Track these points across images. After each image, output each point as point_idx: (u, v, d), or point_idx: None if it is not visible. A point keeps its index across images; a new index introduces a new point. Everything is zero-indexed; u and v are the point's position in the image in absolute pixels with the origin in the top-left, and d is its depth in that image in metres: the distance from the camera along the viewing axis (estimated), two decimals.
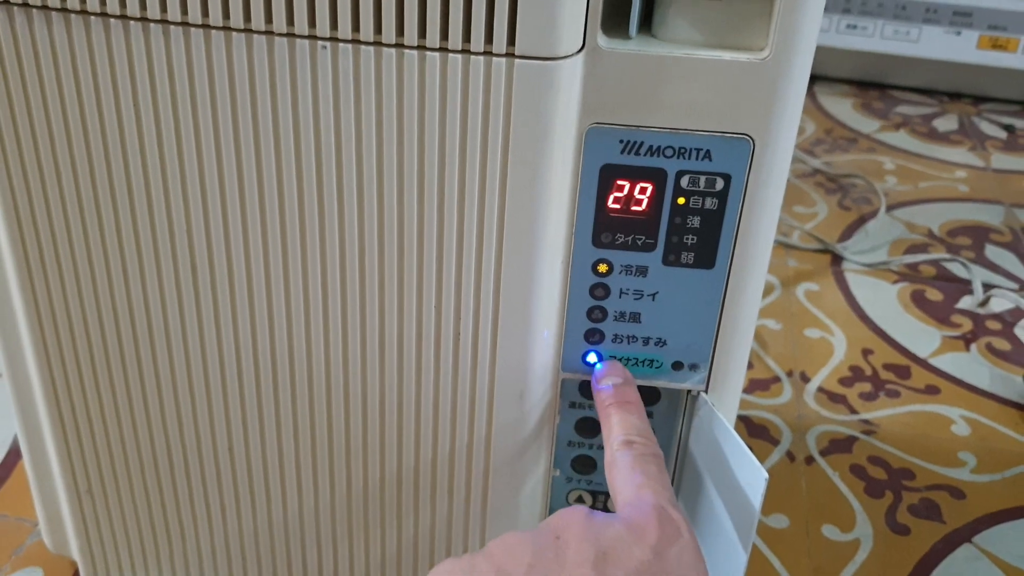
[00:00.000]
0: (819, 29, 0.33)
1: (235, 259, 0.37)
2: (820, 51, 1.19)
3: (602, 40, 0.33)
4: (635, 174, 0.35)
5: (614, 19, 0.33)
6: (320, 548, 0.44)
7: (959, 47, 1.15)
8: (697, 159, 0.34)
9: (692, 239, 0.36)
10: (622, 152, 0.34)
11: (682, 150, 0.34)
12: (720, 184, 0.35)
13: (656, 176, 0.35)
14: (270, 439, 0.41)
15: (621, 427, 0.35)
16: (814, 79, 1.23)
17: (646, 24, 0.34)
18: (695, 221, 0.35)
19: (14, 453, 0.59)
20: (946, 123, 1.13)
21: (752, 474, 0.35)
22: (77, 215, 0.37)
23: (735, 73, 0.33)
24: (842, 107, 1.16)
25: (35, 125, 0.35)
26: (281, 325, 0.38)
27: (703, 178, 0.35)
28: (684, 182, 0.35)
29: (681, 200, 0.35)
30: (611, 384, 0.37)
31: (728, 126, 0.34)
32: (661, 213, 0.35)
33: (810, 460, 0.61)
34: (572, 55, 0.32)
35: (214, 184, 0.35)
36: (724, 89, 0.33)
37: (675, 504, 0.33)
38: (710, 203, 0.35)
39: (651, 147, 0.34)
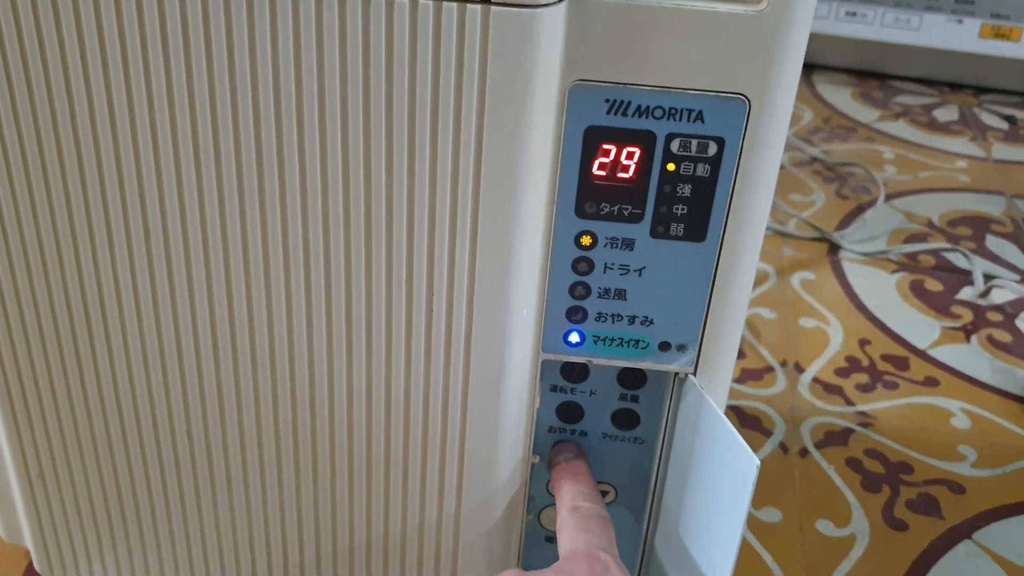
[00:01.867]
0: None
1: (191, 228, 0.34)
2: (818, 39, 1.17)
3: None
4: (622, 137, 0.32)
5: None
6: (284, 531, 0.42)
7: (961, 36, 1.12)
8: (688, 121, 0.32)
9: (682, 209, 0.33)
10: (608, 112, 0.32)
11: (672, 111, 0.32)
12: (713, 148, 0.32)
13: (644, 139, 0.32)
14: (230, 421, 0.39)
15: (570, 494, 0.38)
16: (812, 68, 1.20)
17: None
18: (686, 189, 0.33)
19: None
20: (946, 113, 1.11)
21: (743, 461, 0.33)
22: (25, 189, 0.34)
23: (730, 26, 0.30)
24: (841, 96, 1.13)
25: None
26: (240, 300, 0.36)
27: (695, 142, 0.32)
28: (674, 146, 0.32)
29: (671, 166, 0.33)
30: (563, 459, 0.39)
31: (722, 85, 0.31)
32: (649, 180, 0.33)
33: (804, 452, 0.59)
34: (553, 3, 0.30)
35: (167, 147, 0.33)
36: (718, 44, 0.30)
37: (608, 551, 0.35)
38: (702, 170, 0.32)
39: (639, 107, 0.32)
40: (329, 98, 0.31)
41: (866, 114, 1.09)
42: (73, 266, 0.36)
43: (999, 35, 1.11)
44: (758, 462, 0.32)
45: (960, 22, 1.11)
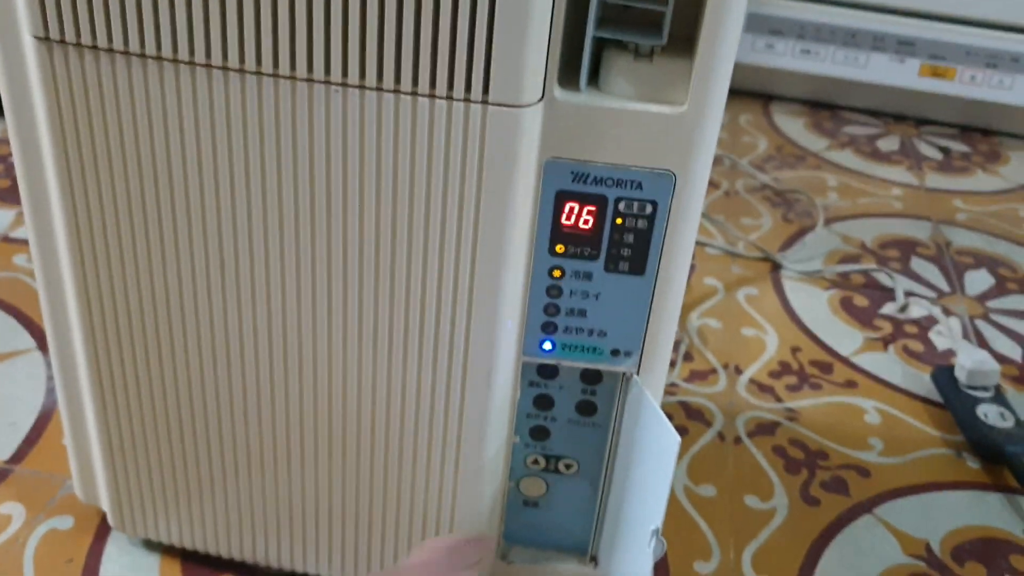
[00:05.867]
0: (728, 85, 0.42)
1: (241, 261, 0.45)
2: (776, 72, 1.29)
3: (558, 92, 0.41)
4: (583, 199, 0.43)
5: (568, 73, 0.42)
6: (318, 510, 0.52)
7: (903, 73, 1.24)
8: (631, 188, 0.43)
9: (627, 251, 0.45)
10: (573, 181, 0.43)
11: (620, 181, 0.43)
12: (649, 209, 0.43)
13: (599, 201, 0.43)
14: (279, 408, 0.49)
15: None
16: (770, 99, 1.32)
17: (594, 78, 0.43)
18: (630, 237, 0.44)
19: (43, 417, 0.66)
20: (888, 143, 1.23)
21: (669, 438, 0.44)
22: (126, 206, 0.45)
23: (661, 122, 0.41)
24: (794, 126, 1.25)
25: (96, 145, 0.43)
26: (276, 318, 0.46)
27: (636, 203, 0.43)
28: (621, 206, 0.43)
29: (619, 220, 0.44)
30: None
31: (656, 163, 0.42)
32: (603, 230, 0.44)
33: (738, 440, 0.70)
34: (534, 104, 0.41)
35: (227, 197, 0.43)
36: (652, 134, 0.41)
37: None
38: (641, 223, 0.44)
39: (596, 178, 0.43)
40: (367, 174, 0.42)
41: (816, 143, 1.21)
42: (161, 279, 0.46)
43: (936, 74, 1.23)
44: (679, 439, 0.43)
45: (902, 61, 1.24)
